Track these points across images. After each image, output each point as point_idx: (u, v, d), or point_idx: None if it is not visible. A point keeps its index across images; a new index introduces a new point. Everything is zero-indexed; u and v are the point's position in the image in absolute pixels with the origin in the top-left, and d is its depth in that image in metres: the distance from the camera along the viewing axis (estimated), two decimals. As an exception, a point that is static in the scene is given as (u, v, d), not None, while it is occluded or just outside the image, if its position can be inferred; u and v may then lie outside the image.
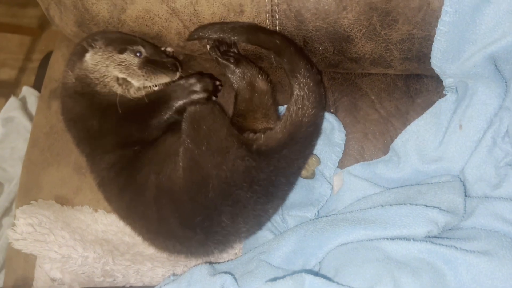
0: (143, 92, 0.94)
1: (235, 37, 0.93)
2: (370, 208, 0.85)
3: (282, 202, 0.91)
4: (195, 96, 0.93)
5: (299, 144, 0.87)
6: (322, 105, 0.91)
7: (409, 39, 0.87)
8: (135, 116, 0.92)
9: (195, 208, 0.82)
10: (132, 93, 0.94)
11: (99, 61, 0.93)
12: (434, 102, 0.94)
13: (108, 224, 1.05)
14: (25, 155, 1.18)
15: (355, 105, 1.01)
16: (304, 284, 0.68)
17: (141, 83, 0.93)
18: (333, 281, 0.71)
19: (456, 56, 0.85)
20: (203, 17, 0.92)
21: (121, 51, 0.93)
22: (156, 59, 0.96)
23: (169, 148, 0.89)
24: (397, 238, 0.76)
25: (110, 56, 0.93)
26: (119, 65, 0.93)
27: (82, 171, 1.09)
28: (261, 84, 0.96)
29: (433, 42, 0.85)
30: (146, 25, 0.97)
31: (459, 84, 0.90)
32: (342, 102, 1.02)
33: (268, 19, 0.90)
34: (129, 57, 0.93)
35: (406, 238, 0.76)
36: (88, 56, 0.94)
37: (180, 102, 0.92)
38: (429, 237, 0.78)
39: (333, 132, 0.97)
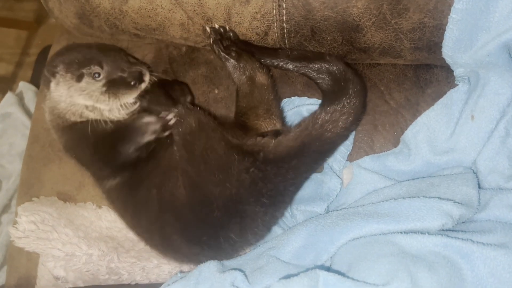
0: (119, 112, 0.90)
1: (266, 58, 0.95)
2: (382, 201, 0.83)
3: (289, 204, 0.89)
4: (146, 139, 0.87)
5: (311, 158, 0.84)
6: (352, 129, 0.89)
7: (420, 28, 0.84)
8: (106, 144, 0.89)
9: (200, 227, 0.80)
10: (108, 115, 0.90)
11: (62, 92, 0.89)
12: (444, 93, 0.92)
13: (112, 221, 1.03)
14: (25, 151, 1.16)
15: (364, 96, 0.99)
16: (318, 281, 0.67)
17: (109, 107, 0.89)
18: (347, 277, 0.70)
19: (469, 45, 0.83)
20: (208, 7, 0.90)
21: (79, 79, 0.87)
22: (116, 77, 0.88)
23: (170, 160, 0.86)
24: (411, 232, 0.74)
25: (71, 86, 0.88)
26: (81, 94, 0.88)
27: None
28: (261, 78, 0.95)
29: (444, 31, 0.83)
30: (149, 16, 0.94)
31: (470, 74, 0.88)
32: (350, 94, 1.00)
33: (275, 9, 0.87)
34: (88, 84, 0.88)
35: (421, 232, 0.74)
36: (52, 87, 0.90)
37: (132, 146, 0.87)
38: (443, 230, 0.76)
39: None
